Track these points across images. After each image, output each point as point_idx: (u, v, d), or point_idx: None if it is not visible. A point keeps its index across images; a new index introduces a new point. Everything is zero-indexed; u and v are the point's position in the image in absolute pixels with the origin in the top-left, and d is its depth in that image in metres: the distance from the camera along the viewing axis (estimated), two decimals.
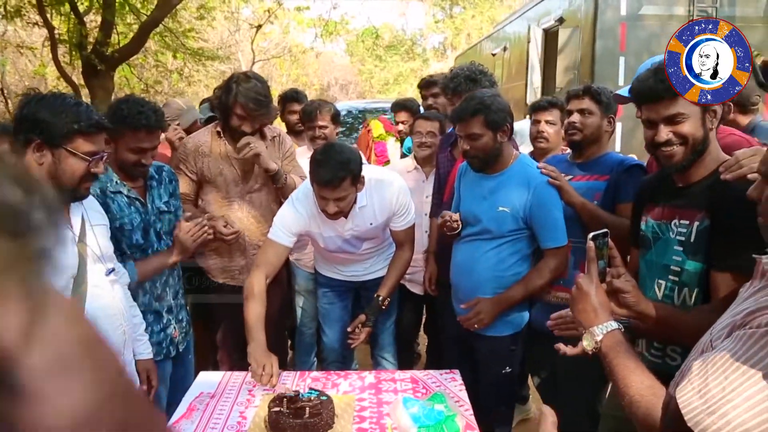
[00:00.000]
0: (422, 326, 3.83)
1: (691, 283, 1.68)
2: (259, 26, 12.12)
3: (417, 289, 3.38)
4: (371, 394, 2.19)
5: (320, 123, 3.34)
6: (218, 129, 2.78)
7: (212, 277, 2.87)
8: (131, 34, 10.63)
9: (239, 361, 3.08)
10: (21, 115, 1.65)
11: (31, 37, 13.16)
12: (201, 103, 4.39)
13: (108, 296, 1.80)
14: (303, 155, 3.33)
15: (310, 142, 3.41)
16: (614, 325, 1.34)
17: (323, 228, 2.57)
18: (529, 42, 8.75)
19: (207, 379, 2.34)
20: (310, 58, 22.16)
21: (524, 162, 2.46)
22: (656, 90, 1.66)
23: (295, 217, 2.49)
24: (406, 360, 3.38)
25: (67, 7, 8.37)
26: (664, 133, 1.68)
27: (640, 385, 1.18)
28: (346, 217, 2.51)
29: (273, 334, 3.02)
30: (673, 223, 1.75)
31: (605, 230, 1.53)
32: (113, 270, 1.86)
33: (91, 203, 1.87)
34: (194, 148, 2.76)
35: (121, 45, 9.01)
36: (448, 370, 2.41)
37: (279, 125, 3.57)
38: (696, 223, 1.67)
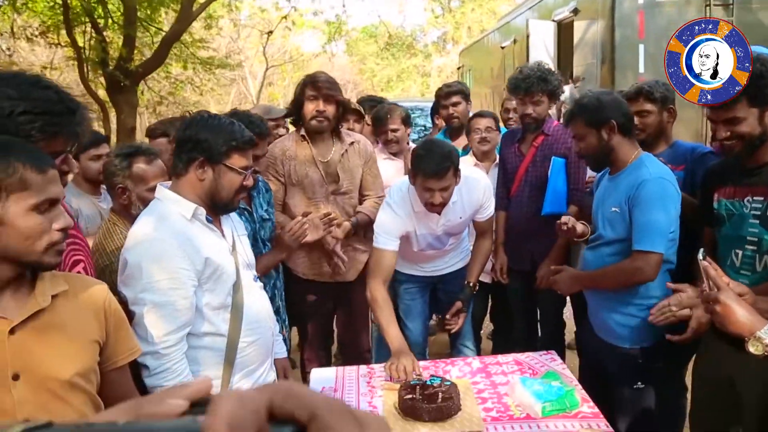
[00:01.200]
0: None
1: None
2: (270, 32, 12.27)
3: (484, 278, 3.52)
4: (483, 378, 2.34)
5: (392, 126, 3.47)
6: (302, 134, 2.93)
7: (301, 274, 2.99)
8: (145, 48, 10.80)
9: (325, 359, 3.23)
10: (184, 136, 1.80)
11: (38, 56, 13.29)
12: None
13: (259, 301, 1.94)
14: (380, 155, 3.48)
15: (384, 145, 3.55)
16: None
17: (418, 226, 2.71)
18: (528, 36, 8.81)
19: (322, 376, 2.48)
20: (309, 59, 22.32)
21: (643, 160, 2.30)
22: None
23: (395, 220, 2.64)
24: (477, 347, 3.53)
25: (88, 25, 8.49)
26: (722, 131, 1.92)
27: None
28: (441, 211, 2.66)
29: (362, 329, 3.19)
30: (746, 199, 1.96)
31: (702, 248, 1.65)
32: (258, 276, 2.01)
33: (235, 217, 2.02)
34: (281, 153, 2.90)
35: (134, 60, 9.16)
36: (545, 351, 2.56)
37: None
38: None
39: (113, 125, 9.27)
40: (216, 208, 1.84)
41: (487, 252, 2.98)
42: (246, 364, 1.87)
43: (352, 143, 3.02)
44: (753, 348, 1.39)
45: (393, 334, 2.48)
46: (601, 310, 2.40)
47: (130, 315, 1.64)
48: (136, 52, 9.81)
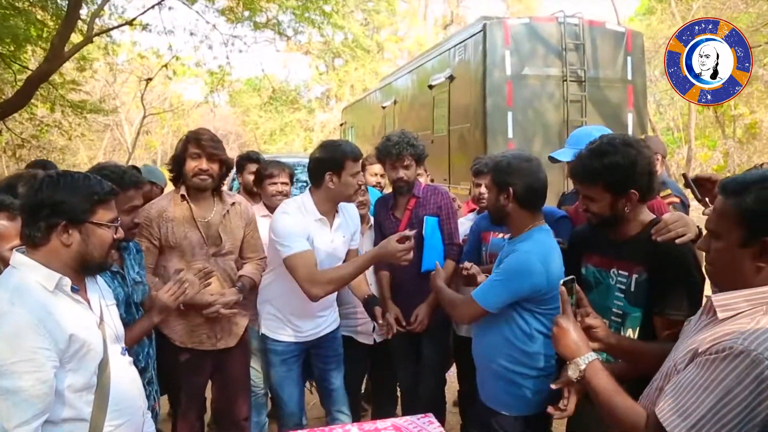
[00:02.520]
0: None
1: (633, 325, 2.02)
2: (149, 79, 11.85)
3: (364, 339, 3.53)
4: None
5: (283, 179, 3.56)
6: (182, 193, 2.82)
7: (179, 342, 2.81)
8: (6, 86, 10.02)
9: (200, 430, 3.04)
10: (36, 201, 1.64)
11: None
12: None
13: (128, 378, 1.80)
14: (258, 213, 3.46)
15: (271, 197, 3.54)
16: (594, 355, 1.58)
17: (315, 236, 2.79)
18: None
19: None
20: (190, 108, 21.80)
21: (532, 233, 2.30)
22: (577, 175, 2.06)
23: (296, 222, 2.73)
24: (355, 411, 3.50)
25: None
26: (581, 203, 2.10)
27: (623, 404, 1.46)
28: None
29: (240, 396, 3.04)
30: (612, 271, 2.09)
31: (572, 276, 1.80)
32: (127, 349, 1.87)
33: (102, 283, 1.88)
34: (158, 214, 2.76)
35: None
36: (423, 414, 2.59)
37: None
38: (635, 276, 2.00)
39: None
40: (88, 270, 1.73)
41: None
42: None
43: (233, 204, 2.97)
44: (570, 371, 1.57)
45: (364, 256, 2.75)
46: (487, 375, 2.41)
47: None
48: None
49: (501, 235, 3.11)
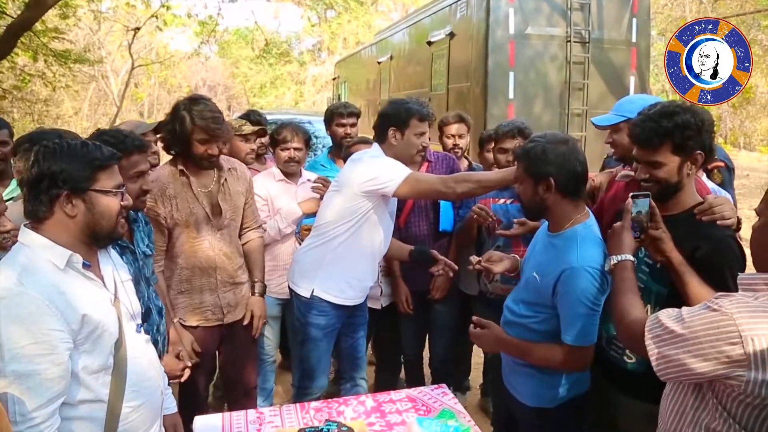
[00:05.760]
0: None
1: (653, 302, 1.92)
2: (137, 29, 11.39)
3: (372, 304, 3.47)
4: (378, 418, 2.29)
5: (295, 145, 3.36)
6: (180, 168, 2.66)
7: (183, 321, 2.71)
8: None
9: (205, 398, 3.01)
10: (34, 174, 1.53)
11: None
12: None
13: (145, 356, 1.72)
14: (269, 177, 3.41)
15: (284, 163, 3.39)
16: (629, 257, 1.77)
17: None
18: None
19: (207, 424, 2.29)
20: (179, 60, 21.20)
21: (577, 232, 2.02)
22: (644, 138, 1.87)
23: (388, 159, 2.71)
24: None
25: None
26: (642, 172, 1.92)
27: (628, 303, 1.65)
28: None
29: (248, 366, 3.00)
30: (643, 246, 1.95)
31: (647, 193, 1.84)
32: (142, 325, 1.78)
33: (116, 258, 1.78)
34: (160, 192, 2.61)
35: None
36: (436, 386, 2.57)
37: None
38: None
39: None
40: (98, 241, 1.63)
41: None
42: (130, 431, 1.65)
43: (230, 169, 2.82)
44: (605, 265, 1.86)
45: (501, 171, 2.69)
46: (510, 360, 2.25)
47: None
48: None
49: (503, 200, 3.07)
